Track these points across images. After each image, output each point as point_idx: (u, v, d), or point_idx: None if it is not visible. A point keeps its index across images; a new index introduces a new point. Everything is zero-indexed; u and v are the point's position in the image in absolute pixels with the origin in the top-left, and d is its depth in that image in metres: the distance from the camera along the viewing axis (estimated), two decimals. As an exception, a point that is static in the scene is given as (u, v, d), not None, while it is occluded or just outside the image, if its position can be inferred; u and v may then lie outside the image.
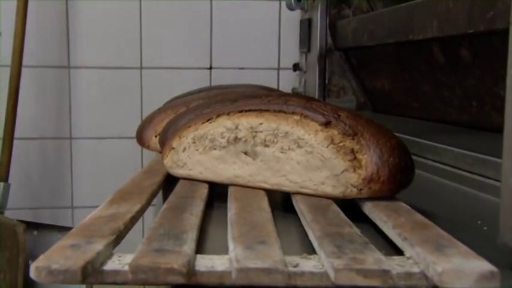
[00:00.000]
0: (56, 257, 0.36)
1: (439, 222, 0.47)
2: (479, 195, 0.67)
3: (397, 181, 0.54)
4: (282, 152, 0.56)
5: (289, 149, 0.56)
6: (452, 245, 0.40)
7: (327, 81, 1.40)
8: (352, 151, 0.53)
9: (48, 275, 0.35)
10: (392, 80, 1.23)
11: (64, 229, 1.39)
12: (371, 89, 1.37)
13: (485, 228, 0.54)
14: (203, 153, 0.60)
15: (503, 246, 0.42)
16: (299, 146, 0.55)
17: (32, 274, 0.35)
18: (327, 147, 0.54)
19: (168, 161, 0.64)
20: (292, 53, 1.54)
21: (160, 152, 0.68)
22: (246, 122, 0.58)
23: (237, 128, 0.58)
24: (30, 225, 1.35)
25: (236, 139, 0.58)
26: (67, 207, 1.53)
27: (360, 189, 0.53)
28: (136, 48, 1.51)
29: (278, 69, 1.58)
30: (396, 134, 0.61)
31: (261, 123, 0.57)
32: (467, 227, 0.55)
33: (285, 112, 0.57)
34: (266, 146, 0.57)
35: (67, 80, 1.49)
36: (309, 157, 0.54)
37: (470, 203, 0.66)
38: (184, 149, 0.62)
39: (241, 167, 0.59)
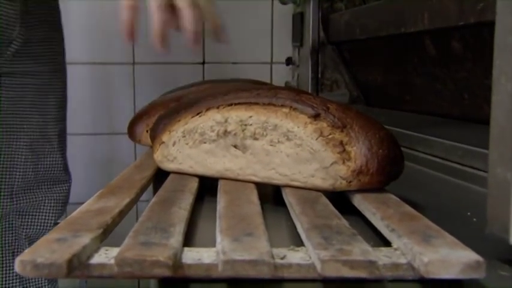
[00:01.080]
0: (41, 251, 0.36)
1: (429, 214, 0.47)
2: (469, 187, 0.67)
3: (386, 173, 0.54)
4: (271, 145, 0.56)
5: (279, 141, 0.55)
6: (440, 235, 0.40)
7: (319, 75, 1.40)
8: (341, 143, 0.53)
9: (33, 268, 0.35)
10: (384, 73, 1.23)
11: (57, 224, 1.39)
12: (364, 83, 1.37)
13: (474, 219, 0.54)
14: (193, 147, 0.60)
15: (491, 237, 0.42)
16: (288, 139, 0.55)
17: (17, 268, 0.35)
18: (316, 139, 0.53)
19: (158, 155, 0.63)
20: (285, 47, 1.54)
21: (151, 147, 0.68)
22: (235, 116, 0.58)
23: (226, 121, 0.58)
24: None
25: (226, 132, 0.58)
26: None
27: (349, 182, 0.53)
28: (129, 44, 1.50)
29: (271, 63, 1.58)
30: (387, 127, 0.61)
31: (251, 116, 0.57)
32: (456, 219, 0.55)
33: (274, 105, 0.56)
34: (255, 139, 0.57)
35: (59, 75, 1.48)
36: (298, 150, 0.54)
37: (461, 194, 0.66)
38: (174, 143, 0.61)
39: (231, 160, 0.58)
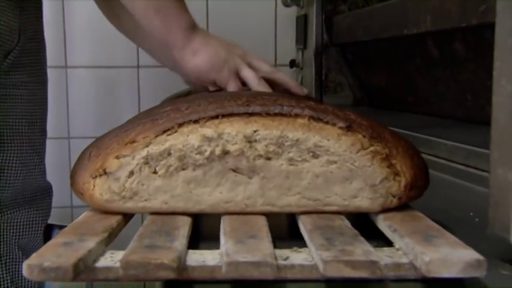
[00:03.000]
0: (48, 255, 0.37)
1: (432, 214, 0.47)
2: (472, 188, 0.68)
3: (427, 182, 0.50)
4: (291, 165, 0.47)
5: (302, 159, 0.46)
6: (441, 235, 0.41)
7: (323, 77, 1.40)
8: (387, 156, 0.47)
9: (40, 272, 0.35)
10: (388, 75, 1.23)
11: (64, 228, 1.40)
12: (367, 84, 1.37)
13: (477, 219, 0.55)
14: (166, 177, 0.47)
15: (492, 236, 0.42)
16: (315, 156, 0.46)
17: (24, 272, 0.36)
18: (357, 153, 0.46)
19: (101, 193, 0.47)
20: (288, 49, 1.54)
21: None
22: (233, 131, 0.46)
23: (221, 138, 0.46)
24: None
25: (224, 153, 0.46)
26: (66, 207, 1.54)
27: (399, 198, 0.47)
28: (133, 47, 1.51)
29: (275, 66, 1.58)
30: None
31: (256, 131, 0.46)
32: (459, 219, 0.56)
33: (284, 115, 0.47)
34: (268, 158, 0.46)
35: (64, 80, 1.50)
36: (332, 167, 0.46)
37: (464, 195, 0.66)
38: (131, 174, 0.46)
39: (231, 189, 0.47)
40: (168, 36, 0.75)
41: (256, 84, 0.76)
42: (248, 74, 0.77)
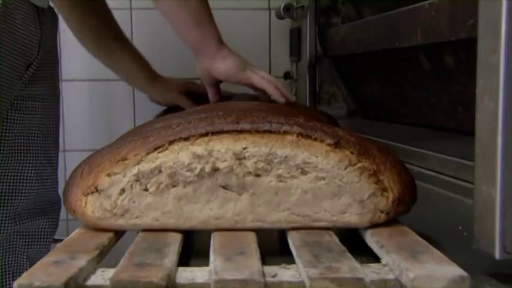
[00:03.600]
0: (38, 274, 0.37)
1: (421, 227, 0.48)
2: (462, 200, 0.68)
3: (415, 197, 0.50)
4: (280, 181, 0.47)
5: (291, 176, 0.47)
6: (427, 251, 0.41)
7: (317, 89, 1.41)
8: (375, 172, 0.47)
9: (31, 291, 0.36)
10: (381, 87, 1.24)
11: (59, 241, 1.40)
12: (361, 96, 1.38)
13: (465, 233, 0.55)
14: (157, 194, 0.47)
15: (478, 251, 0.43)
16: (304, 172, 0.47)
17: (15, 291, 0.36)
18: (345, 169, 0.47)
19: (93, 210, 0.48)
20: (282, 61, 1.55)
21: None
22: (222, 148, 0.47)
23: (211, 155, 0.47)
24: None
25: (213, 170, 0.47)
26: (62, 220, 1.54)
27: (387, 213, 0.48)
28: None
29: (269, 78, 1.59)
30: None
31: (245, 148, 0.47)
32: (448, 232, 0.56)
33: (273, 132, 0.48)
34: (257, 175, 0.47)
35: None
36: (321, 183, 0.47)
37: (454, 207, 0.67)
38: (122, 191, 0.47)
39: (221, 205, 0.47)
40: (203, 46, 0.92)
41: (271, 77, 0.96)
42: (264, 74, 0.96)
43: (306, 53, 1.39)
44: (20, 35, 0.84)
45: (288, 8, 1.40)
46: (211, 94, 1.02)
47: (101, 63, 1.19)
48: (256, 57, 1.56)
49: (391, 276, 0.39)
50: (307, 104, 1.37)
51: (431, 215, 0.63)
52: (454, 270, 0.37)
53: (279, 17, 1.44)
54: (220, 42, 0.93)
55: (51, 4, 0.97)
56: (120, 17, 1.19)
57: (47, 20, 0.94)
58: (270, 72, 1.58)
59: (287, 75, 1.53)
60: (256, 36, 1.56)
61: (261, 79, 0.95)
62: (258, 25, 1.57)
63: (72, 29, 1.13)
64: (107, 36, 1.12)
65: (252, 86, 0.97)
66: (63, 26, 1.08)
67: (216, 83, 1.00)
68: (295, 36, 1.43)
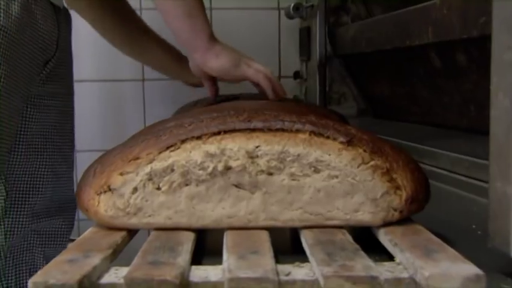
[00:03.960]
0: (53, 272, 0.38)
1: (434, 226, 0.48)
2: (475, 199, 0.68)
3: (428, 195, 0.50)
4: (293, 180, 0.47)
5: (304, 174, 0.47)
6: (441, 249, 0.41)
7: (327, 88, 1.41)
8: (388, 170, 0.47)
9: (45, 289, 0.36)
10: (391, 86, 1.24)
11: (71, 241, 1.41)
12: (371, 95, 1.37)
13: (479, 232, 0.55)
14: (169, 193, 0.47)
15: (493, 250, 0.42)
16: (316, 170, 0.47)
17: (30, 289, 0.36)
18: (358, 167, 0.47)
19: (106, 209, 0.48)
20: (292, 61, 1.55)
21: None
22: (235, 147, 0.47)
23: (223, 154, 0.47)
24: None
25: (226, 169, 0.47)
26: (73, 220, 1.54)
27: (401, 212, 0.47)
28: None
29: (279, 77, 1.58)
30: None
31: (258, 146, 0.47)
32: (462, 231, 0.56)
33: (285, 130, 0.48)
34: (270, 174, 0.47)
35: (70, 94, 1.51)
36: (334, 182, 0.47)
37: (467, 206, 0.67)
38: (135, 190, 0.47)
39: (233, 204, 0.47)
40: (194, 40, 0.90)
41: (266, 70, 0.95)
42: (258, 66, 0.94)
43: (316, 53, 1.39)
44: (41, 30, 0.86)
45: (297, 7, 1.40)
46: (208, 86, 1.01)
47: (135, 60, 1.24)
48: (265, 57, 1.56)
49: (405, 275, 0.39)
50: (317, 104, 1.37)
51: (444, 214, 0.63)
52: (470, 269, 0.37)
53: (289, 16, 1.43)
54: (212, 37, 0.91)
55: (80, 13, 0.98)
56: (130, 17, 1.19)
57: (62, 19, 0.95)
58: (279, 72, 1.58)
59: (297, 75, 1.53)
60: (265, 35, 1.56)
61: (256, 73, 0.93)
62: (267, 25, 1.57)
63: (103, 33, 1.15)
64: (136, 33, 1.14)
65: (249, 81, 0.96)
66: (72, 27, 1.09)
67: (211, 76, 0.99)
68: (305, 35, 1.43)
